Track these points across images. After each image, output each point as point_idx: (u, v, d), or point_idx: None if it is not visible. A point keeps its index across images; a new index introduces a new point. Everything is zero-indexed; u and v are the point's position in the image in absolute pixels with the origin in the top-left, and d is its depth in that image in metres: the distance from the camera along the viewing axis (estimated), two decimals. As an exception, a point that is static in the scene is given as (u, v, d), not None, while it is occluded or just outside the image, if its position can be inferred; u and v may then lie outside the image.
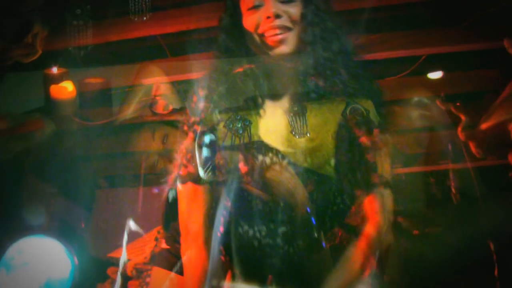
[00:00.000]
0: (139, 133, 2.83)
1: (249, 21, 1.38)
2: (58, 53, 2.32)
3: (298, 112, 1.30)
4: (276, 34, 1.32)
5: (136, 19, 2.32)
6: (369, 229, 1.24)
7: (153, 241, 2.36)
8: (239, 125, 1.29)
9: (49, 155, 2.62)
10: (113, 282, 2.46)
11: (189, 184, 1.37)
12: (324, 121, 1.28)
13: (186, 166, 1.37)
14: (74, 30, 2.09)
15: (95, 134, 2.93)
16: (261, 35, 1.34)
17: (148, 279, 2.27)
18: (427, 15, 2.42)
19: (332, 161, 1.23)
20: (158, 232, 2.37)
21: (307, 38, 1.36)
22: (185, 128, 1.40)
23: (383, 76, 2.70)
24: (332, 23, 1.41)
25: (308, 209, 1.20)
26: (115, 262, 2.52)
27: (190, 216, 1.37)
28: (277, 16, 1.32)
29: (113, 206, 2.92)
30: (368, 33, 2.45)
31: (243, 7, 1.39)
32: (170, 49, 2.66)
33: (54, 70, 2.51)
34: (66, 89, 2.57)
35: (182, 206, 1.41)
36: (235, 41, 1.42)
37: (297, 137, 1.27)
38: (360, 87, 1.35)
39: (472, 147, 2.14)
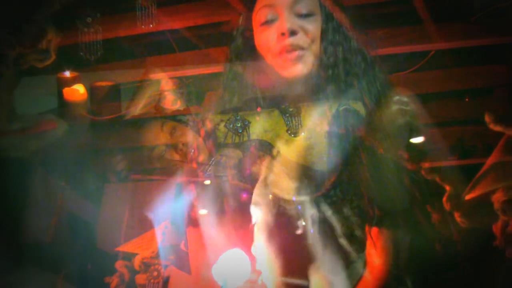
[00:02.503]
0: (148, 126, 2.86)
1: (261, 39, 1.28)
2: (68, 49, 2.37)
3: (293, 112, 1.29)
4: (291, 52, 1.22)
5: (144, 14, 2.34)
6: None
7: (161, 235, 2.38)
8: (239, 125, 1.30)
9: (59, 151, 2.67)
10: (121, 275, 2.48)
11: (200, 229, 1.35)
12: (318, 121, 1.27)
13: (196, 207, 1.35)
14: (85, 36, 2.16)
15: (104, 129, 2.95)
16: (274, 55, 1.25)
17: (155, 273, 2.29)
18: (435, 9, 2.40)
19: (325, 158, 1.22)
20: (166, 227, 2.39)
21: (327, 61, 1.25)
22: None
23: (392, 72, 2.68)
24: (357, 42, 1.30)
25: (294, 198, 1.21)
26: (123, 256, 2.54)
27: (201, 262, 1.35)
28: (292, 33, 1.22)
29: (121, 200, 2.94)
30: (376, 28, 2.44)
31: (256, 23, 1.29)
32: (178, 44, 2.67)
33: (67, 73, 2.60)
34: (77, 91, 2.66)
35: (192, 247, 1.40)
36: (246, 65, 1.33)
37: (292, 136, 1.27)
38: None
39: (457, 217, 2.19)
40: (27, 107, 2.51)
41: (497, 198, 2.06)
